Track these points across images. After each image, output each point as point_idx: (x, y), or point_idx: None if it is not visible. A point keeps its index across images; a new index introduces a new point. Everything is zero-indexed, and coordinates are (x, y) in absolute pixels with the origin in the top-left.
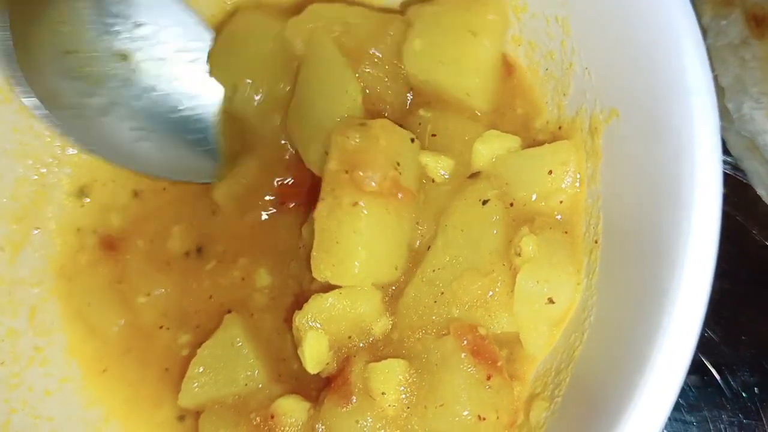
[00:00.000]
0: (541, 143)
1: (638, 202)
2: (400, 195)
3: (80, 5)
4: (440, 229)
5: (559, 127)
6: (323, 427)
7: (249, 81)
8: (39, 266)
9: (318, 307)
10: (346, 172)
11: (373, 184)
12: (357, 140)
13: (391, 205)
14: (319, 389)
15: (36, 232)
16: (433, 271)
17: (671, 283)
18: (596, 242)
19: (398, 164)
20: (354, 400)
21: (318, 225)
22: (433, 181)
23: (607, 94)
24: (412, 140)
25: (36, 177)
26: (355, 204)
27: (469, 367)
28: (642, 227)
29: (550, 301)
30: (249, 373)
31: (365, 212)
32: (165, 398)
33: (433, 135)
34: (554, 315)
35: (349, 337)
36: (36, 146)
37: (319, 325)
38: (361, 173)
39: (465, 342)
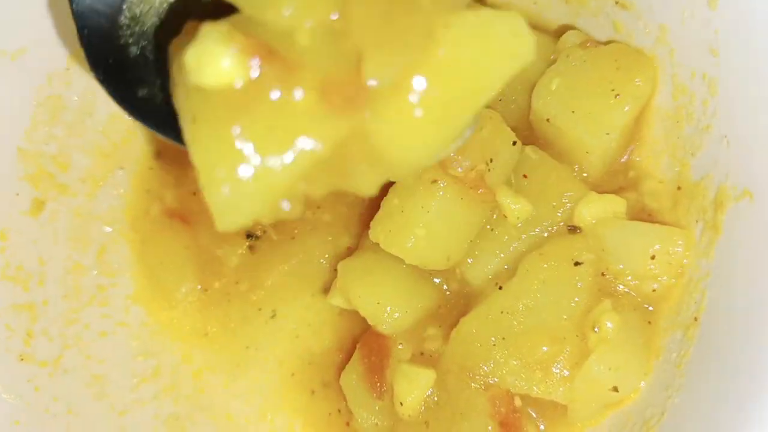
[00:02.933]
0: (649, 211)
1: (753, 287)
2: (480, 190)
3: None
4: (520, 272)
5: (678, 188)
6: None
7: None
8: (116, 205)
9: None
10: None
11: (460, 169)
12: None
13: (468, 196)
14: None
15: (120, 171)
16: (501, 312)
17: None
18: (696, 319)
19: (491, 161)
20: (384, 390)
21: (393, 189)
22: (505, 216)
23: (742, 171)
24: (514, 143)
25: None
26: (434, 181)
27: None
28: (752, 313)
29: (615, 389)
30: None
31: (441, 193)
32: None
33: (524, 176)
34: (611, 400)
35: None
36: None
37: None
38: (452, 154)
39: (498, 410)
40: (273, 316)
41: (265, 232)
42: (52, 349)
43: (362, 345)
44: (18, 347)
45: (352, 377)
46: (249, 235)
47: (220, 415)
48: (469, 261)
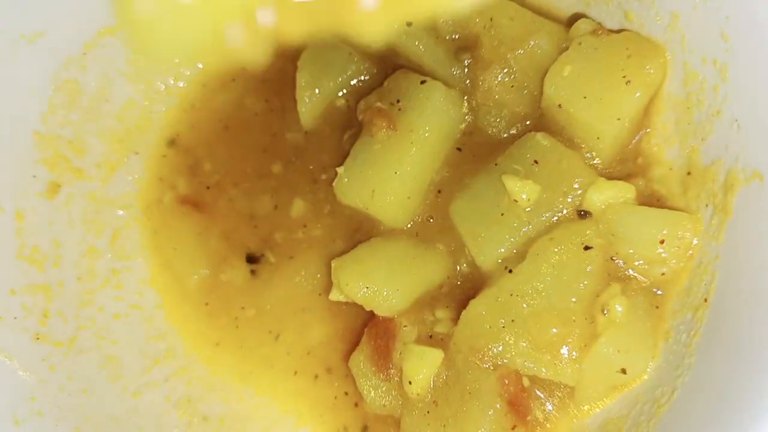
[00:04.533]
0: (658, 196)
1: (763, 268)
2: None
3: None
4: (530, 256)
5: (688, 173)
6: None
7: None
8: (130, 191)
9: None
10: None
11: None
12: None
13: (379, 135)
14: None
15: (134, 156)
16: (511, 295)
17: None
18: (705, 300)
19: (398, 101)
20: (391, 372)
21: None
22: (515, 201)
23: (752, 153)
24: (422, 82)
25: (146, 103)
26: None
27: (500, 413)
28: (762, 294)
29: (623, 371)
30: None
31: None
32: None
33: (535, 162)
34: (618, 381)
35: None
36: (151, 72)
37: None
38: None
39: (507, 389)
40: (277, 338)
41: (263, 255)
42: (67, 330)
43: (369, 329)
44: (34, 327)
45: (360, 359)
46: (250, 260)
47: (231, 398)
48: (479, 244)
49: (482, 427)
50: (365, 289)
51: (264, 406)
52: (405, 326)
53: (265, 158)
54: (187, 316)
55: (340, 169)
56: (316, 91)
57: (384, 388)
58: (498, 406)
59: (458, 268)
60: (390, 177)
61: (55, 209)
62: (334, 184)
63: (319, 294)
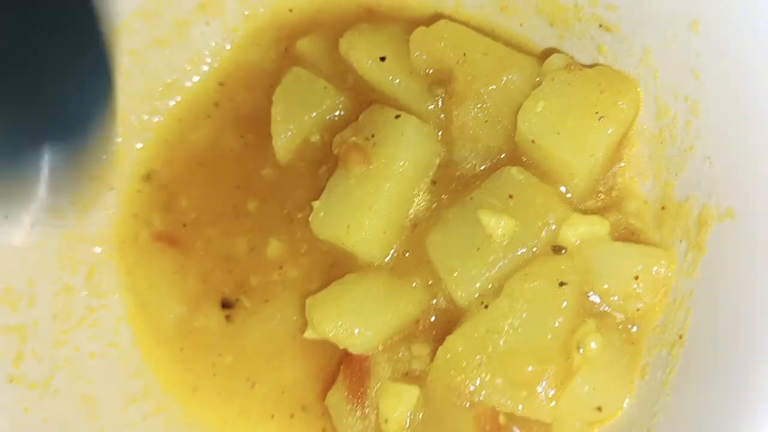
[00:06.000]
0: (633, 230)
1: (737, 304)
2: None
3: None
4: (506, 291)
5: (662, 207)
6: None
7: None
8: (105, 226)
9: None
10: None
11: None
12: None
13: (355, 170)
14: None
15: (109, 192)
16: (487, 331)
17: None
18: (680, 337)
19: (372, 135)
20: (366, 410)
21: None
22: (490, 236)
23: (725, 191)
24: (397, 117)
25: (120, 138)
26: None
27: None
28: (737, 331)
29: (599, 408)
30: None
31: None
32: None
33: (510, 196)
34: (595, 419)
35: None
36: (125, 107)
37: None
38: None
39: (483, 428)
40: (253, 386)
41: (237, 299)
42: (42, 371)
43: (344, 367)
44: (7, 369)
45: (336, 397)
46: (225, 305)
47: None
48: (455, 280)
49: None
50: (338, 327)
51: None
52: (380, 363)
53: (240, 195)
54: (163, 358)
55: (315, 204)
56: (291, 126)
57: (360, 427)
58: None
59: (434, 302)
60: (365, 212)
61: (30, 248)
62: (310, 218)
63: (294, 337)
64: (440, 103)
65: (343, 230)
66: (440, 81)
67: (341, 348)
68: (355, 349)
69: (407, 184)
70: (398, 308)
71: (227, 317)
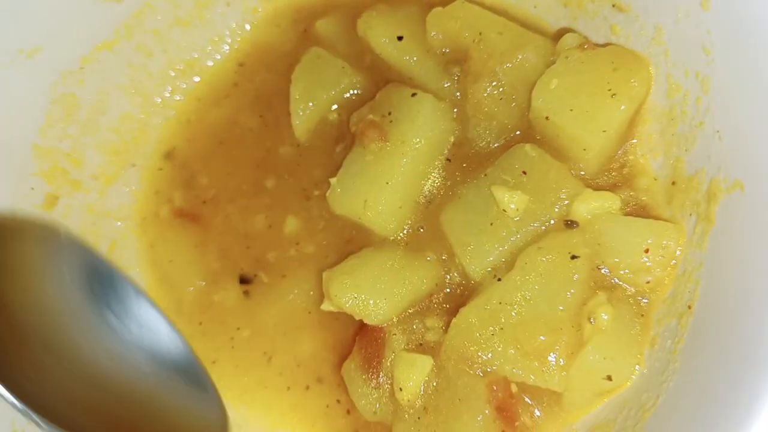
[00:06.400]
0: (643, 205)
1: (745, 275)
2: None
3: None
4: (519, 264)
5: (673, 183)
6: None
7: None
8: (126, 202)
9: None
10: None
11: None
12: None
13: (372, 147)
14: None
15: (131, 168)
16: (500, 303)
17: None
18: (689, 308)
19: (389, 113)
20: (382, 380)
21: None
22: (504, 211)
23: (734, 164)
24: (413, 95)
25: (142, 116)
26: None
27: (488, 419)
28: (745, 301)
29: (609, 377)
30: None
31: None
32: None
33: (524, 172)
34: (605, 388)
35: None
36: (147, 86)
37: None
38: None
39: (495, 395)
40: (270, 359)
41: (256, 275)
42: None
43: (360, 338)
44: None
45: (351, 367)
46: (243, 281)
47: (226, 406)
48: (469, 254)
49: None
50: (354, 298)
51: (259, 416)
52: (395, 335)
53: (259, 174)
54: (182, 332)
55: (333, 180)
56: (310, 104)
57: (375, 396)
58: (487, 412)
59: (448, 276)
60: (382, 187)
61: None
62: (327, 194)
63: (310, 312)
64: (456, 81)
65: (359, 205)
66: (456, 60)
67: (357, 319)
68: (370, 320)
69: (423, 161)
70: (413, 281)
71: (245, 292)
